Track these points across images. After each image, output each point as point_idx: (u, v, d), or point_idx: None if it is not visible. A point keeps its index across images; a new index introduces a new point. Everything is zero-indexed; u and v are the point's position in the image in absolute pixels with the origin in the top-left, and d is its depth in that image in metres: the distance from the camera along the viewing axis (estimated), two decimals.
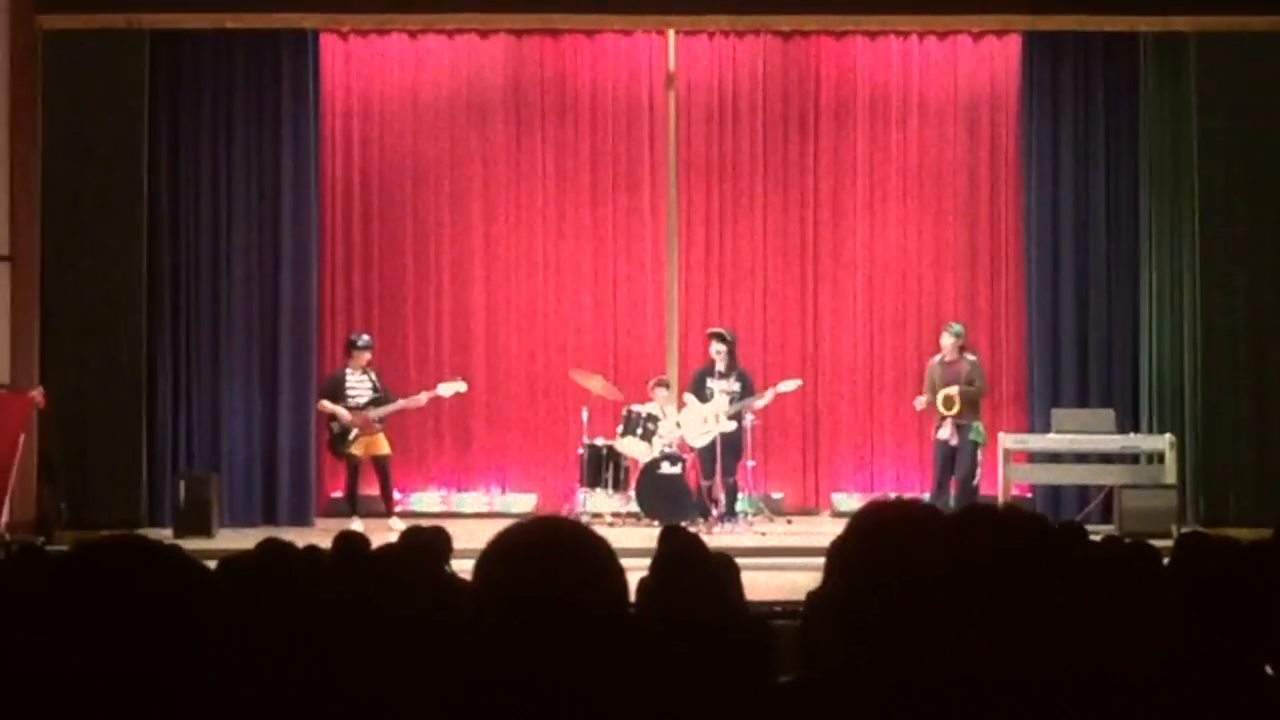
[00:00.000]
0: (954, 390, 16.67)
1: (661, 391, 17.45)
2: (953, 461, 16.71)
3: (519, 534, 3.04)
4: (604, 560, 3.02)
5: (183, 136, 17.70)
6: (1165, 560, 5.69)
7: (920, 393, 17.12)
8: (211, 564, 4.50)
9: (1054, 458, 17.48)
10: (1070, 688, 2.69)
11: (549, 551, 2.99)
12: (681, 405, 17.31)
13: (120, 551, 3.00)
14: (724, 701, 2.97)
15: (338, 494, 17.70)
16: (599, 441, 17.31)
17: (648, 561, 6.40)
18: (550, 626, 2.88)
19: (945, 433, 16.71)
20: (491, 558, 3.03)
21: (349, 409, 16.94)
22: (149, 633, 2.87)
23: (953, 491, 16.65)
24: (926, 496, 16.81)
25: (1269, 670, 3.96)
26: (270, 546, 5.82)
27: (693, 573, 6.03)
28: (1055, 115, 18.21)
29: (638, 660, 3.00)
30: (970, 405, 16.76)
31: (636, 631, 3.11)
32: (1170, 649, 3.67)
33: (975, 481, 16.66)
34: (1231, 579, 4.52)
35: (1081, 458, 17.33)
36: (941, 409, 16.70)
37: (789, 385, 17.24)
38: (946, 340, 16.99)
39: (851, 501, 17.98)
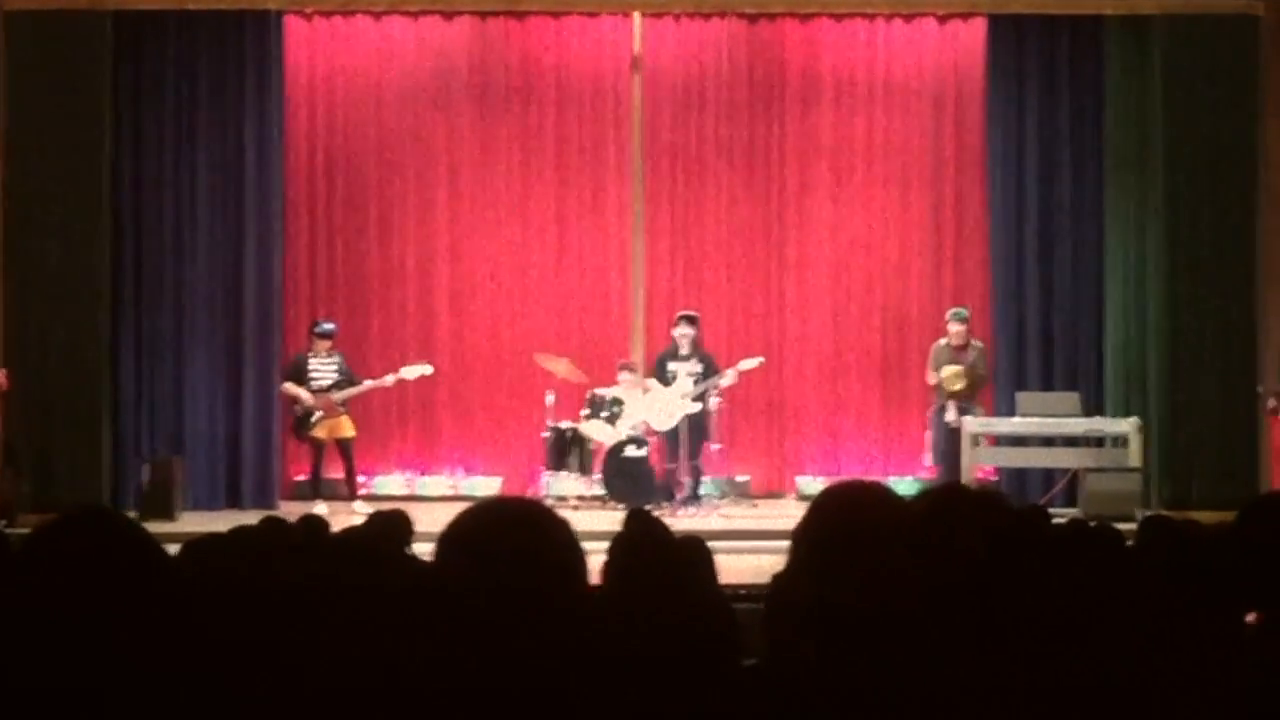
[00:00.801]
0: (960, 369, 16.71)
1: (626, 375, 17.43)
2: (956, 445, 16.68)
3: (478, 514, 3.03)
4: (563, 540, 3.01)
5: (145, 119, 17.62)
6: (1129, 543, 5.70)
7: (923, 374, 17.24)
8: (174, 547, 4.48)
9: (1019, 441, 17.48)
10: (1034, 668, 2.69)
11: (507, 531, 2.98)
12: (646, 389, 17.29)
13: (82, 522, 2.98)
14: (687, 685, 2.95)
15: (302, 477, 17.65)
16: (564, 425, 17.29)
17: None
18: (509, 606, 2.86)
19: (951, 415, 16.71)
20: (451, 538, 3.01)
21: (312, 392, 16.89)
22: (109, 610, 2.84)
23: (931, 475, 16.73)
24: (914, 481, 16.82)
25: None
26: (241, 531, 5.80)
27: (657, 556, 6.01)
28: (1020, 98, 18.24)
29: (598, 641, 2.99)
30: (971, 391, 16.82)
31: (596, 611, 3.10)
32: (1134, 630, 3.66)
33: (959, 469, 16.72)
34: (1195, 562, 4.52)
35: (1046, 441, 17.35)
36: (946, 385, 16.73)
37: (750, 363, 17.20)
38: (955, 326, 16.99)
39: (817, 484, 17.96)
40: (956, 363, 16.84)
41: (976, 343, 17.17)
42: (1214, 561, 4.52)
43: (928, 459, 17.26)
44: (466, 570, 2.93)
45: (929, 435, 17.17)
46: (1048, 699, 2.81)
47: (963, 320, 17.07)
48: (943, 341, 17.12)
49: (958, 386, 16.76)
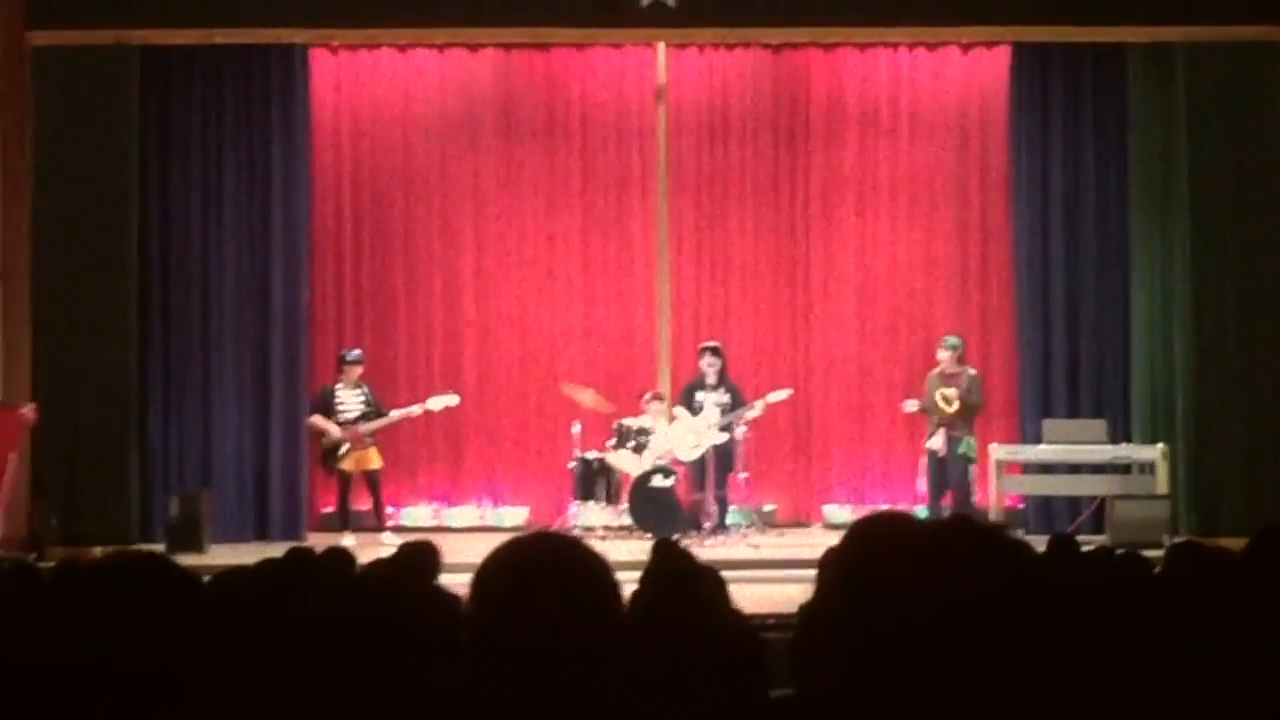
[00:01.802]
0: (953, 392, 16.70)
1: (655, 405, 17.42)
2: (944, 473, 16.72)
3: (514, 550, 3.04)
4: (599, 576, 3.02)
5: (173, 152, 17.70)
6: (1156, 570, 5.70)
7: (917, 401, 17.14)
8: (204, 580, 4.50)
9: (1045, 468, 17.49)
10: (1062, 704, 2.69)
11: (544, 568, 2.99)
12: (673, 418, 17.29)
13: (115, 565, 3.00)
14: (716, 716, 2.97)
15: (329, 509, 17.67)
16: (590, 455, 17.29)
17: (640, 575, 6.40)
18: (544, 643, 2.88)
19: (936, 443, 16.72)
20: (487, 574, 3.03)
21: (339, 424, 16.92)
22: (141, 643, 2.87)
23: (943, 504, 16.66)
24: (922, 509, 16.81)
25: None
26: (269, 563, 5.82)
27: (684, 586, 6.02)
28: (1044, 126, 18.24)
29: (631, 675, 3.00)
30: (964, 418, 16.78)
31: (630, 646, 3.11)
32: (1160, 661, 3.66)
33: (972, 498, 16.71)
34: (1223, 588, 4.52)
35: (1073, 468, 17.34)
36: (941, 405, 16.70)
37: (779, 395, 17.22)
38: (943, 354, 17.00)
39: (843, 513, 17.97)
40: (950, 388, 16.81)
41: (970, 370, 17.14)
42: (1242, 587, 4.53)
43: (921, 485, 17.21)
44: (503, 605, 2.94)
45: (922, 462, 17.17)
46: None
47: (952, 348, 17.06)
48: (934, 371, 17.12)
49: (951, 409, 16.72)
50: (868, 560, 2.76)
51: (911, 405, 17.10)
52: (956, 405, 16.69)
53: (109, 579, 2.95)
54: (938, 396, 16.79)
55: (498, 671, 2.89)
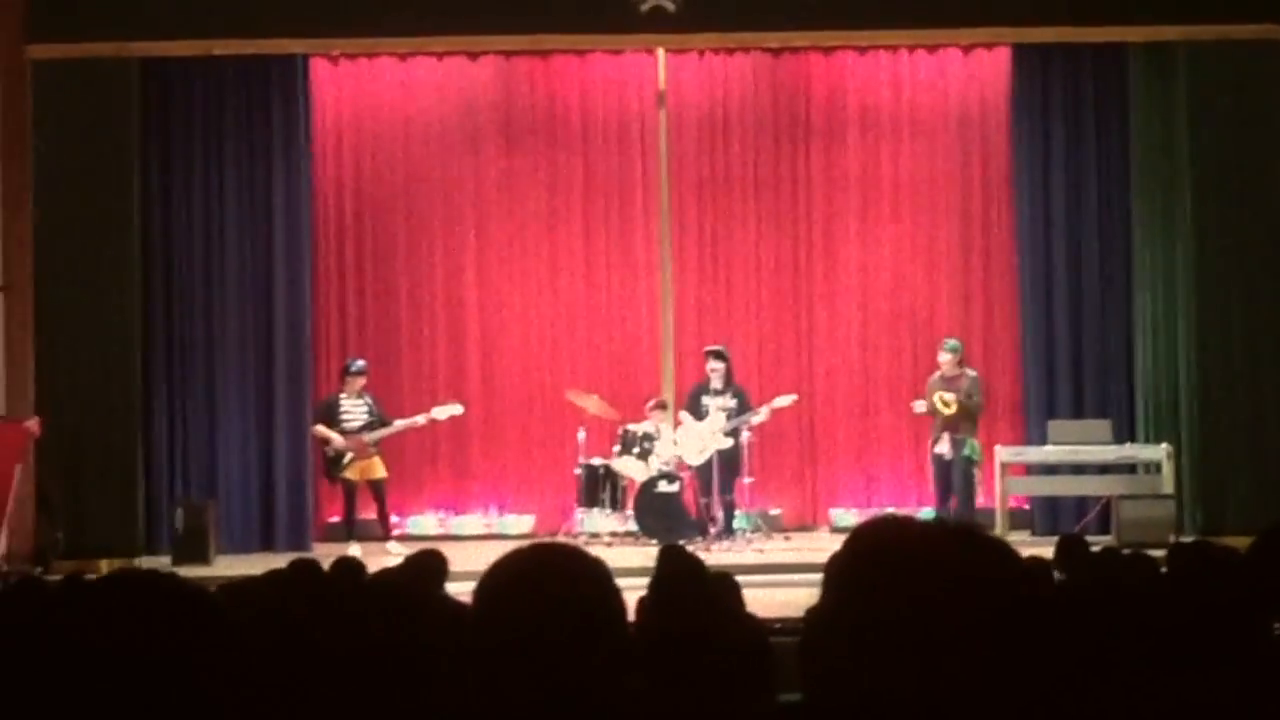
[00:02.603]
0: (951, 396, 16.70)
1: (659, 412, 17.42)
2: (949, 477, 16.74)
3: (516, 560, 3.04)
4: (601, 585, 3.02)
5: (174, 163, 17.74)
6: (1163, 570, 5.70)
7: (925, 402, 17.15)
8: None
9: (1051, 469, 17.50)
10: (1069, 703, 2.69)
11: (545, 577, 2.99)
12: (678, 424, 17.29)
13: (118, 584, 3.00)
14: None
15: (335, 519, 17.69)
16: (596, 461, 17.29)
17: (647, 581, 6.40)
18: (547, 654, 2.87)
19: (942, 447, 16.73)
20: (489, 584, 3.03)
21: (343, 433, 16.93)
22: (147, 661, 2.87)
23: (952, 508, 16.67)
24: (927, 511, 16.82)
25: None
26: (274, 574, 5.83)
27: (692, 591, 6.02)
28: (1046, 127, 18.24)
29: (635, 681, 3.00)
30: (967, 419, 16.77)
31: (635, 656, 3.11)
32: (1167, 659, 3.67)
33: (975, 501, 16.71)
34: (1229, 588, 4.52)
35: (1078, 469, 17.35)
36: (940, 408, 16.70)
37: (784, 400, 17.23)
38: (944, 356, 17.00)
39: (850, 516, 17.96)
40: (950, 391, 16.81)
41: (970, 371, 17.14)
42: (1248, 586, 4.53)
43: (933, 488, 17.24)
44: (505, 616, 2.94)
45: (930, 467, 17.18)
46: None
47: (952, 350, 17.07)
48: (935, 375, 17.12)
49: (949, 410, 16.72)
50: (868, 565, 2.76)
51: (920, 406, 17.12)
52: (954, 408, 16.69)
53: (115, 595, 2.95)
54: (936, 400, 16.80)
55: (499, 682, 2.88)
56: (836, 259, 18.77)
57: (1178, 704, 3.35)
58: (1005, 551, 2.65)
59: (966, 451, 16.67)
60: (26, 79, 16.59)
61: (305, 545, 17.12)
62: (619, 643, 3.00)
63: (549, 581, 2.98)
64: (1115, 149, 18.06)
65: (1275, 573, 4.70)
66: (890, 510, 17.47)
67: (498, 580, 3.02)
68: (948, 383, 16.89)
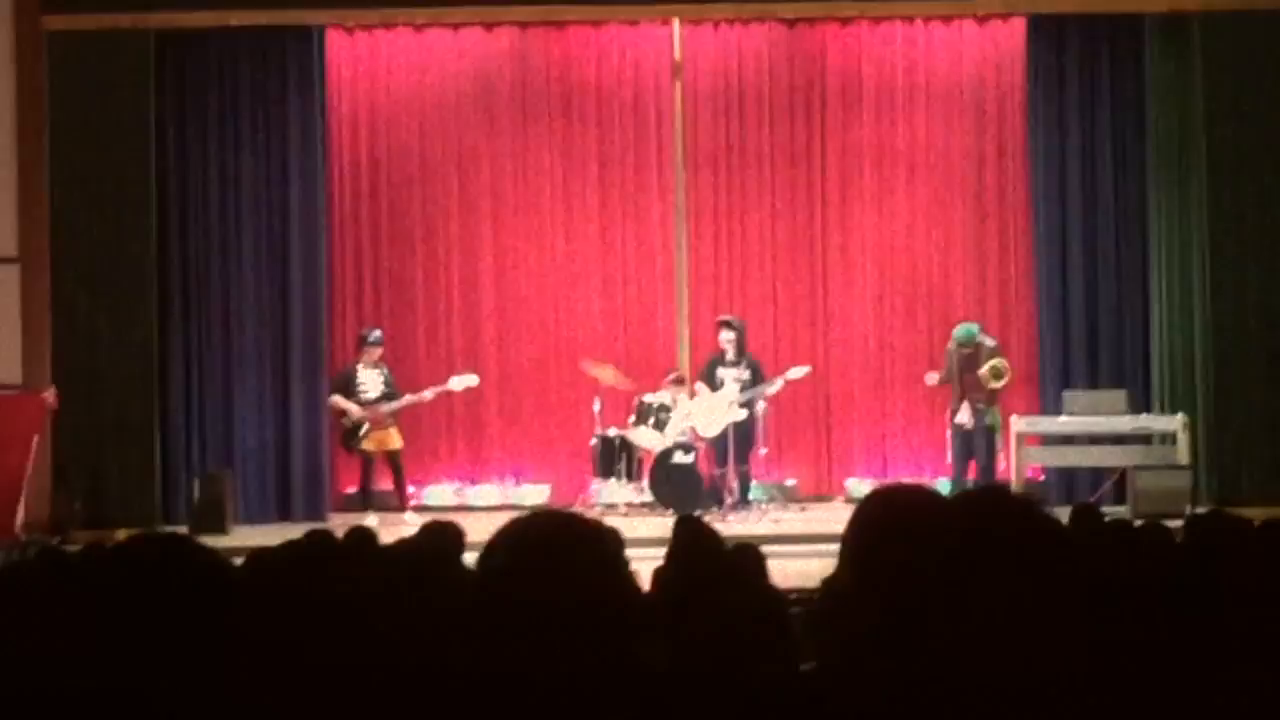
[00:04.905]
0: (1000, 362, 16.65)
1: (676, 386, 17.41)
2: (969, 446, 16.73)
3: (518, 528, 3.05)
4: (603, 550, 3.02)
5: (190, 134, 17.73)
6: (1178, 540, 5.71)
7: (937, 370, 17.12)
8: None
9: (1066, 440, 17.47)
10: (1083, 673, 2.70)
11: (547, 545, 3.00)
12: (693, 394, 17.30)
13: (142, 546, 3.02)
14: (743, 691, 2.97)
15: (352, 489, 17.72)
16: (611, 432, 17.32)
17: (663, 551, 6.42)
18: (550, 620, 2.88)
19: (963, 417, 16.71)
20: (492, 553, 3.04)
21: (360, 404, 16.95)
22: (167, 630, 2.88)
23: (972, 476, 16.67)
24: (944, 481, 16.84)
25: None
26: (294, 544, 5.84)
27: (708, 561, 6.04)
28: (1061, 98, 18.20)
29: (651, 650, 3.01)
30: (987, 389, 16.74)
31: (639, 621, 3.11)
32: (1183, 628, 3.67)
33: (996, 470, 16.71)
34: (1245, 557, 4.53)
35: (1094, 439, 17.33)
36: (991, 381, 16.64)
37: (798, 371, 17.23)
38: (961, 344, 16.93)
39: (864, 487, 17.94)
40: (970, 362, 16.72)
41: (990, 340, 17.07)
42: (1265, 556, 4.53)
43: (950, 457, 17.20)
44: (507, 583, 2.95)
45: (949, 434, 17.12)
46: (1103, 696, 2.82)
47: (969, 335, 16.98)
48: (952, 344, 17.05)
49: (1003, 381, 16.71)
50: (881, 534, 2.77)
51: (933, 378, 17.10)
52: (1007, 377, 16.68)
53: (134, 562, 2.97)
54: (987, 369, 16.62)
55: (502, 650, 2.89)
56: (851, 229, 18.75)
57: (1201, 672, 3.36)
58: (1039, 516, 2.64)
59: (988, 420, 16.66)
60: (42, 50, 16.61)
61: (322, 516, 17.15)
62: (629, 610, 3.01)
63: (551, 548, 2.99)
64: (1131, 120, 18.01)
65: None
66: (906, 480, 17.48)
67: (501, 547, 3.03)
68: (968, 354, 16.77)
